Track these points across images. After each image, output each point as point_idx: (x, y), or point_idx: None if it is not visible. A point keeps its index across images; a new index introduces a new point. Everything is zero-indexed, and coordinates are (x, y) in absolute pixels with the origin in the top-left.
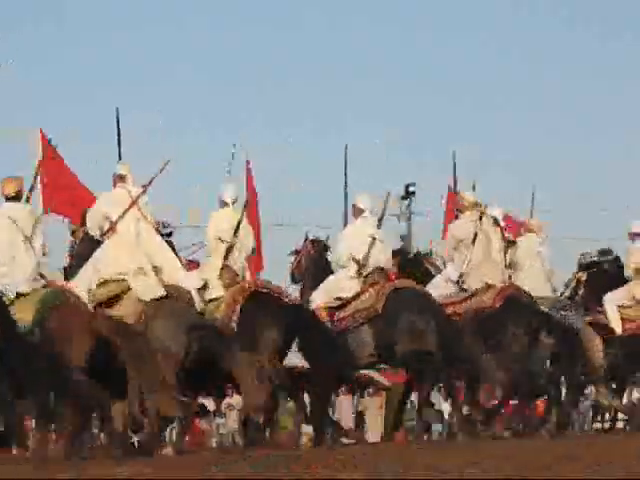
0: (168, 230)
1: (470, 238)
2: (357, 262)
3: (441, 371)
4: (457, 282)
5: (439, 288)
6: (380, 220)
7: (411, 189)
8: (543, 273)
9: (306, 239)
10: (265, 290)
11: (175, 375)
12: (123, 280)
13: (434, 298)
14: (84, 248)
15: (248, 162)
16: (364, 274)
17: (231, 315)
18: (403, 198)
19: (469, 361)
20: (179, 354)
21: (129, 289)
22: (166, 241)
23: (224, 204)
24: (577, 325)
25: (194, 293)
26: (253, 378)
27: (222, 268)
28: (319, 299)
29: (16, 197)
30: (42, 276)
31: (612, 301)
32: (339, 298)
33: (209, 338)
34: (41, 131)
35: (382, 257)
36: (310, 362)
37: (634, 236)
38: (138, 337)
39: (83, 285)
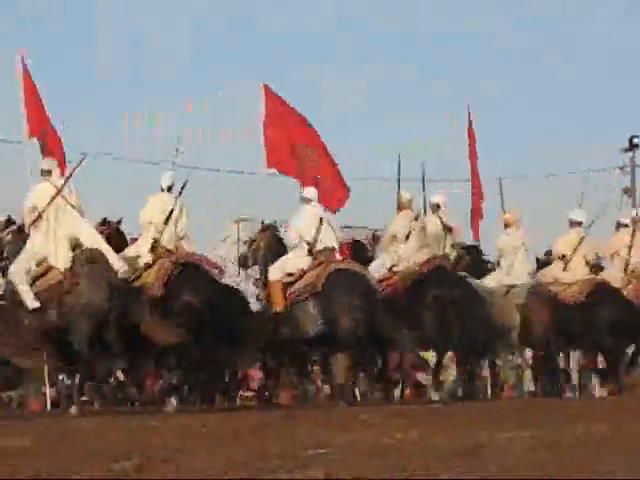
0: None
1: (404, 234)
2: (307, 243)
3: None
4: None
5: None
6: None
7: (635, 141)
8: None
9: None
10: (194, 261)
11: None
12: (44, 260)
13: (370, 278)
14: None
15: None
16: (314, 254)
17: (159, 281)
18: (626, 150)
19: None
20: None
21: (51, 267)
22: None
23: (161, 189)
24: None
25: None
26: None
27: (155, 242)
28: (274, 275)
29: None
30: None
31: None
32: (290, 274)
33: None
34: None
35: (331, 238)
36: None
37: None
38: None
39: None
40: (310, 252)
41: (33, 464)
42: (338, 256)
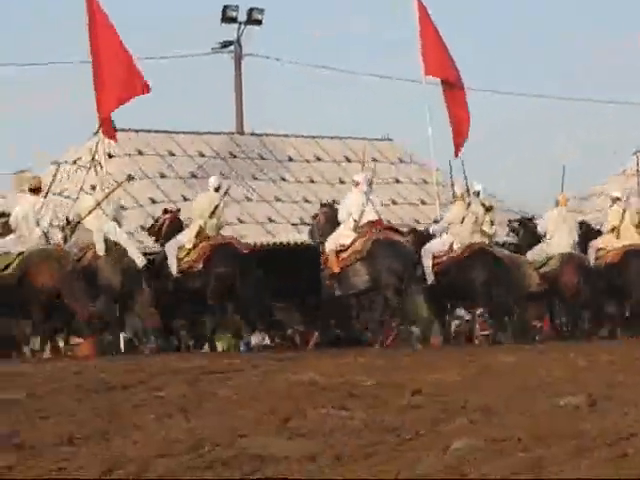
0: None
1: (460, 219)
2: (354, 220)
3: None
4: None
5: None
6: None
7: None
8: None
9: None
10: (226, 242)
11: None
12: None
13: (404, 245)
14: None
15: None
16: (358, 228)
17: (198, 260)
18: None
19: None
20: None
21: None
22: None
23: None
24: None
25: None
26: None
27: (199, 232)
28: (328, 246)
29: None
30: None
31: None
32: (342, 245)
33: None
34: None
35: (372, 214)
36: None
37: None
38: None
39: None
40: (355, 228)
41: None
42: (378, 228)
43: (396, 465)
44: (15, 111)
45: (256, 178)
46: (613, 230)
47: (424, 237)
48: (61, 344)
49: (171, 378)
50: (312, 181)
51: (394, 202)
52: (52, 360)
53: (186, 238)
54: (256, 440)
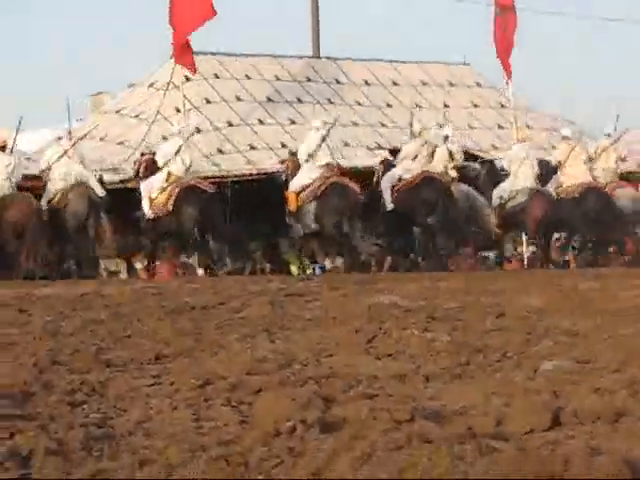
0: None
1: (413, 155)
2: (309, 155)
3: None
4: None
5: None
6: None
7: None
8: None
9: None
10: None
11: None
12: None
13: (352, 188)
14: None
15: None
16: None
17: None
18: None
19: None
20: None
21: None
22: None
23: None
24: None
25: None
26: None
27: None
28: (291, 187)
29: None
30: None
31: None
32: (302, 185)
33: None
34: None
35: (327, 157)
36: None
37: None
38: None
39: None
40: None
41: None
42: (335, 172)
43: (486, 385)
44: (92, 32)
45: (332, 102)
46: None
47: (496, 171)
48: (138, 266)
49: (251, 299)
50: (388, 105)
51: (471, 126)
52: (130, 281)
53: (157, 181)
54: (343, 359)
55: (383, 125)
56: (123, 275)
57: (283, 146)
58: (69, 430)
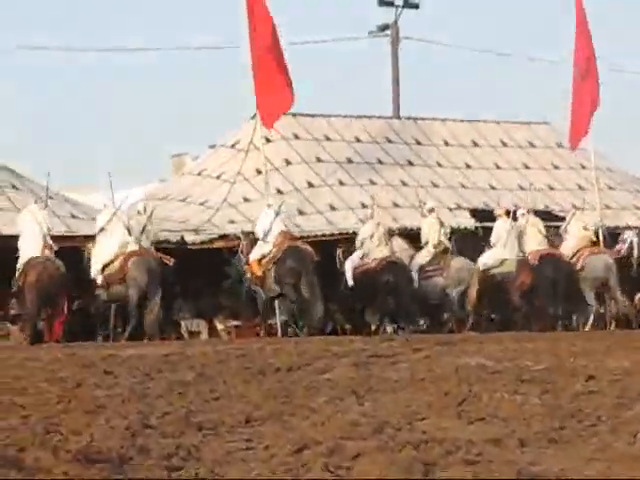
0: None
1: (369, 235)
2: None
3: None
4: None
5: None
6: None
7: None
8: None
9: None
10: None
11: None
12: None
13: (306, 250)
14: None
15: None
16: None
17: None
18: None
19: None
20: None
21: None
22: None
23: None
24: None
25: None
26: None
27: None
28: (252, 256)
29: None
30: None
31: None
32: (262, 254)
33: None
34: None
35: (281, 226)
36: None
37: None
38: None
39: None
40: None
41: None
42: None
43: (584, 451)
44: (175, 95)
45: (412, 163)
46: None
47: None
48: (219, 326)
49: (335, 361)
50: (468, 166)
51: (551, 187)
52: (212, 342)
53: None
54: (436, 423)
55: (463, 186)
56: (204, 336)
57: (363, 206)
58: None
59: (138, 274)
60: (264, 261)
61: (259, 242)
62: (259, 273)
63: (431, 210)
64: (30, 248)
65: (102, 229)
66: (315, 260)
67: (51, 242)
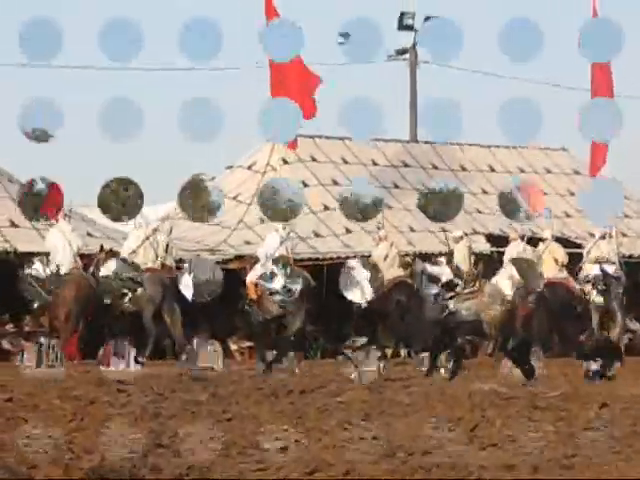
0: None
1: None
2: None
3: None
4: None
5: None
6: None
7: None
8: None
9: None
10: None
11: None
12: None
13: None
14: None
15: None
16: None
17: None
18: None
19: None
20: None
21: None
22: None
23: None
24: None
25: None
26: None
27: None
28: (249, 279)
29: None
30: None
31: None
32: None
33: None
34: None
35: (282, 251)
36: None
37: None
38: None
39: None
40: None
41: None
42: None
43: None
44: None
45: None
46: None
47: None
48: (233, 347)
49: (347, 383)
50: (484, 192)
51: (567, 215)
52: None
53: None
54: (449, 448)
55: (479, 211)
56: (218, 365)
57: (379, 229)
58: None
59: (152, 290)
60: (260, 285)
61: (257, 265)
62: (254, 296)
63: (460, 237)
64: (61, 265)
65: (133, 252)
66: (312, 285)
67: (80, 262)
